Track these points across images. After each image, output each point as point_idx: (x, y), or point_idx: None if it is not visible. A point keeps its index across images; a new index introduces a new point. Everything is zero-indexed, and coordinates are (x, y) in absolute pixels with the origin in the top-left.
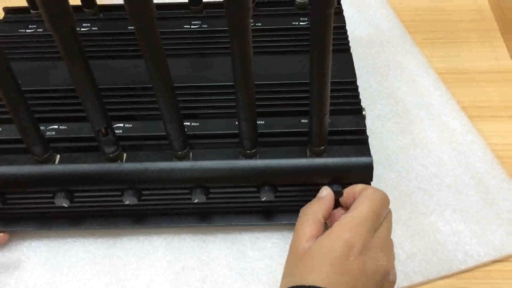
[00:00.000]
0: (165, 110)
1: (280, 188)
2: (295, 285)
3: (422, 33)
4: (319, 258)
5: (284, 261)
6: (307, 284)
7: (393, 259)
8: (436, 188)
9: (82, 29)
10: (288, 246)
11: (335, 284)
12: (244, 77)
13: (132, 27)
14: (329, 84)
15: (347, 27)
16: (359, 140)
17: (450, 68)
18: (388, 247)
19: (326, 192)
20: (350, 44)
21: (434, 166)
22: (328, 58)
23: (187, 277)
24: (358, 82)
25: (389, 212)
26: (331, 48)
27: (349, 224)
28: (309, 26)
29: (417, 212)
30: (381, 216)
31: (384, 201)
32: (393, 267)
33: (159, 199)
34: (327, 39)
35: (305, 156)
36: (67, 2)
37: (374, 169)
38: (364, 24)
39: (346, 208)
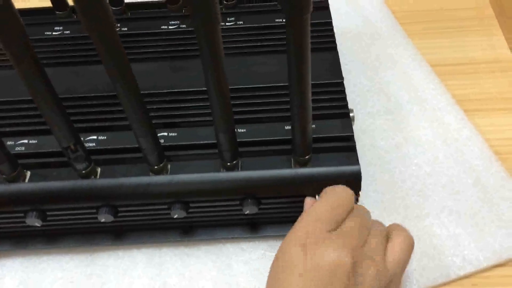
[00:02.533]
0: (135, 124)
1: (264, 201)
2: None
3: (414, 24)
4: (278, 266)
5: None
6: None
7: (375, 253)
8: (431, 188)
9: (54, 33)
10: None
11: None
12: (216, 88)
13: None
14: (310, 92)
15: (335, 20)
16: (346, 147)
17: (444, 60)
18: (353, 239)
19: (309, 205)
20: (338, 38)
21: (429, 165)
22: (307, 68)
23: None
24: (348, 78)
25: (356, 208)
26: (309, 55)
27: (298, 223)
28: (285, 23)
29: (412, 216)
30: (339, 208)
31: (335, 190)
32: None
33: (137, 215)
34: (305, 48)
35: (289, 166)
36: (18, 17)
37: (366, 170)
38: (353, 16)
39: None
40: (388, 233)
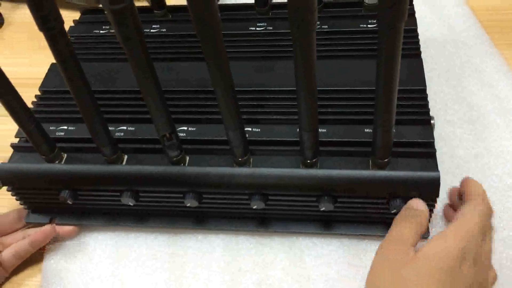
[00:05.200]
0: (227, 119)
1: (339, 199)
2: None
3: (501, 34)
4: (431, 265)
5: (341, 270)
6: None
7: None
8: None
9: (151, 30)
10: (346, 255)
11: None
12: (307, 90)
13: None
14: (396, 99)
15: (420, 27)
16: (426, 153)
17: None
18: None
19: (423, 208)
20: (422, 45)
21: (510, 177)
22: (396, 74)
23: (243, 278)
24: (429, 85)
25: (492, 228)
26: (399, 63)
27: (461, 233)
28: (378, 29)
29: None
30: (487, 229)
31: (491, 212)
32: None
33: (219, 203)
34: (396, 54)
35: (367, 168)
36: (139, 21)
37: (443, 179)
38: (438, 24)
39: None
40: None
